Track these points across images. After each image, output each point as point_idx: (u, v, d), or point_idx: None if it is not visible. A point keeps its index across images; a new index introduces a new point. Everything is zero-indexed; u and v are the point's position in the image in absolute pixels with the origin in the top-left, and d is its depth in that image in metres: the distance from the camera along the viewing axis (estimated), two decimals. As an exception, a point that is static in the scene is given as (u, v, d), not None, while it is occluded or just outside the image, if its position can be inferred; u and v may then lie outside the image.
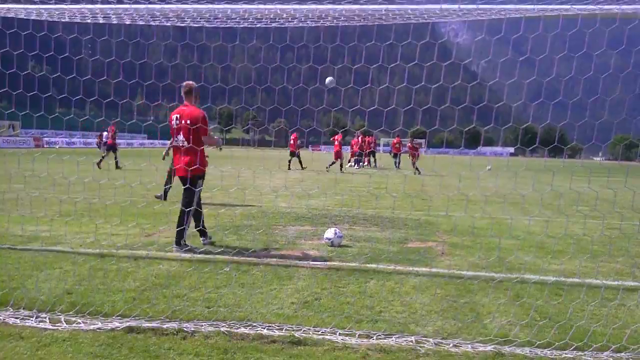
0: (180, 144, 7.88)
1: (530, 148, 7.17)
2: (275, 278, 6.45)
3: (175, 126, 7.91)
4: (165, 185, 13.70)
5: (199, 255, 7.48)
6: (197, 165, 7.84)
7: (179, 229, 7.82)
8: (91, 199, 13.16)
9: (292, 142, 30.83)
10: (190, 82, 8.10)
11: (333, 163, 29.28)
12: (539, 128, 7.34)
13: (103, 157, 24.70)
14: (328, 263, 7.30)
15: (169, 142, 8.32)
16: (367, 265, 7.22)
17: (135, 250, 7.65)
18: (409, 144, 30.07)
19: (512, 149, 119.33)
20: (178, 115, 7.92)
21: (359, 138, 35.53)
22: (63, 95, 7.07)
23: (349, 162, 36.33)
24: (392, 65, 6.26)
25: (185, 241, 7.89)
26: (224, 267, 6.86)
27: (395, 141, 35.85)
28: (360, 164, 35.44)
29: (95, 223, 9.63)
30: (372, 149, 37.74)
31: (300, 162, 30.43)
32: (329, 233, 8.52)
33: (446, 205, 14.73)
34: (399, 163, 34.40)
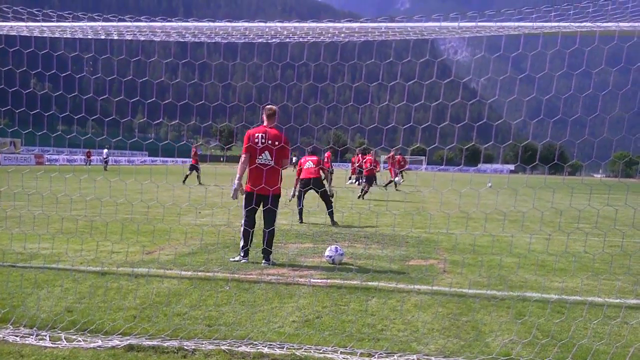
0: (267, 163, 8.22)
1: (531, 165, 7.17)
2: (276, 296, 6.42)
3: (261, 145, 8.23)
4: (298, 206, 13.95)
5: (199, 274, 7.46)
6: (279, 186, 8.30)
7: (266, 247, 8.25)
8: (92, 216, 13.15)
9: (325, 159, 31.09)
10: (274, 105, 8.54)
11: (390, 182, 29.23)
12: (539, 145, 7.35)
13: (187, 176, 29.70)
14: (329, 281, 7.27)
15: (241, 161, 8.38)
16: (369, 283, 7.19)
17: (135, 268, 7.62)
18: (392, 156, 30.05)
19: (512, 166, 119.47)
20: (263, 135, 8.28)
21: (359, 156, 35.59)
22: (65, 114, 7.10)
23: (349, 178, 36.36)
24: (392, 83, 6.29)
25: (244, 255, 8.41)
26: (224, 285, 6.84)
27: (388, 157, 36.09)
28: (360, 181, 35.44)
29: (96, 241, 9.61)
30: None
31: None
32: (330, 251, 8.49)
33: (447, 222, 14.71)
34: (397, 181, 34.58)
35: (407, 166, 30.17)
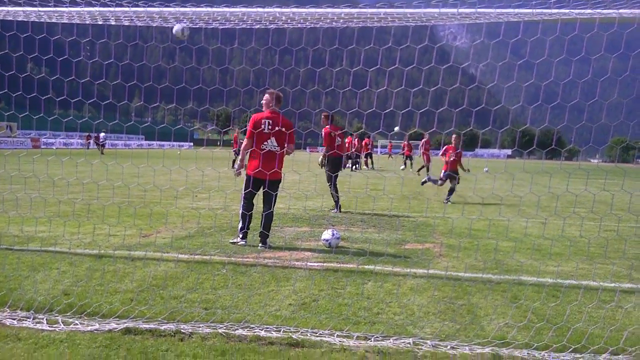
0: (272, 149, 8.28)
1: (528, 150, 7.18)
2: (272, 279, 6.44)
3: (267, 131, 8.27)
4: (335, 198, 12.88)
5: (196, 257, 7.48)
6: (280, 171, 8.33)
7: (264, 231, 8.33)
8: (89, 200, 13.14)
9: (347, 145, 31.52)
10: (276, 91, 8.57)
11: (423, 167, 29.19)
12: (536, 130, 7.34)
13: (234, 160, 29.77)
14: (325, 264, 7.30)
15: (244, 145, 8.44)
16: (365, 266, 7.22)
17: (132, 251, 7.64)
18: (427, 141, 29.62)
19: (509, 151, 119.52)
20: (270, 121, 8.31)
21: (356, 140, 35.57)
22: (62, 97, 7.06)
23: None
24: (390, 68, 6.27)
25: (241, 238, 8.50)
26: (221, 269, 6.86)
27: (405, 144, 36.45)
28: (357, 165, 35.49)
29: (93, 224, 9.62)
30: (369, 150, 37.93)
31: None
32: (327, 234, 8.51)
33: (443, 207, 14.74)
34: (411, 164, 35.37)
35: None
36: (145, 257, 7.32)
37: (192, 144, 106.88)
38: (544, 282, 6.74)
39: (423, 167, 29.12)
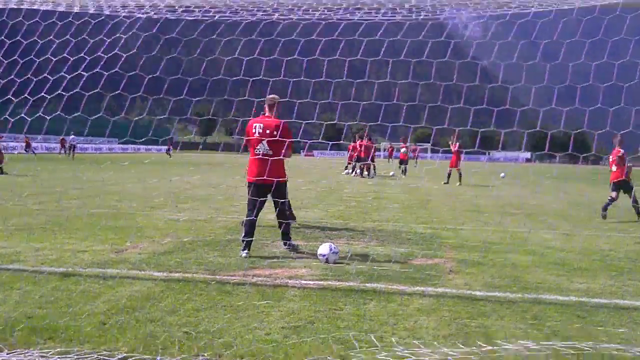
0: (265, 153, 8.83)
1: (549, 152, 7.19)
2: (262, 299, 6.41)
3: (257, 135, 8.90)
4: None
5: (176, 275, 7.45)
6: (281, 174, 9.00)
7: (286, 240, 9.32)
8: (55, 211, 13.09)
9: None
10: (276, 95, 9.23)
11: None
12: (571, 132, 7.36)
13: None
14: (322, 282, 7.28)
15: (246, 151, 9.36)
16: (367, 284, 7.20)
17: (104, 269, 7.60)
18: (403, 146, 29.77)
19: (528, 154, 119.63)
20: (260, 125, 8.94)
21: (357, 143, 35.60)
22: (22, 97, 7.05)
23: (345, 168, 36.49)
24: (394, 59, 6.29)
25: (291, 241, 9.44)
26: (204, 287, 6.83)
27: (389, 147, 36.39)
28: (356, 171, 35.52)
29: (60, 238, 9.58)
30: (371, 154, 37.67)
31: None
32: (324, 249, 8.49)
33: (454, 217, 14.73)
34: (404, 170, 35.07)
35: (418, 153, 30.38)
36: (118, 276, 7.29)
37: (170, 147, 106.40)
38: (568, 301, 6.74)
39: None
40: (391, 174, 35.58)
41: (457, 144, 28.77)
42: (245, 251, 8.76)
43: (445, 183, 27.74)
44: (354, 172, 34.89)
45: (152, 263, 8.08)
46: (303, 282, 7.28)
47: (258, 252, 9.13)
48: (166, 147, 75.56)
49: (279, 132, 8.80)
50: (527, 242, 10.76)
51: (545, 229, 12.73)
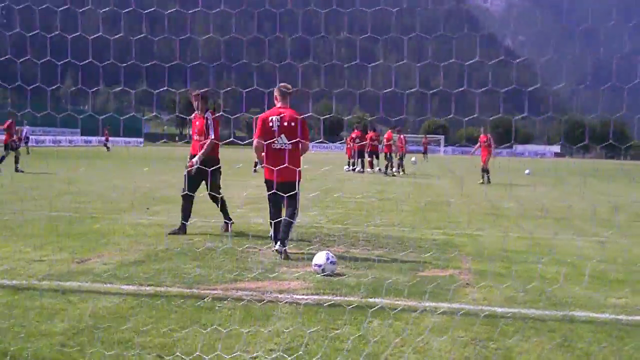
0: (283, 147, 9.68)
1: (581, 145, 7.18)
2: (248, 317, 6.42)
3: (275, 128, 9.66)
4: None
5: (147, 288, 7.45)
6: (295, 170, 9.62)
7: (281, 237, 9.55)
8: (4, 214, 13.07)
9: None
10: (287, 84, 10.05)
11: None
12: (595, 121, 7.36)
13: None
14: (318, 297, 7.28)
15: (254, 145, 9.88)
16: (369, 299, 7.21)
17: (64, 282, 7.59)
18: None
19: (557, 148, 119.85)
20: (278, 117, 9.68)
21: (367, 134, 35.72)
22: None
23: (348, 164, 36.55)
24: (408, 36, 6.28)
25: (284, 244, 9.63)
26: (180, 303, 6.82)
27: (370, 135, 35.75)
28: (357, 166, 35.60)
29: (10, 246, 9.56)
30: (375, 147, 37.63)
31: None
32: (319, 258, 8.49)
33: (471, 220, 14.74)
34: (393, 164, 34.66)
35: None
36: (80, 290, 7.28)
37: (142, 139, 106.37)
38: (603, 319, 6.75)
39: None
40: (413, 159, 35.55)
41: (487, 135, 28.69)
42: (278, 244, 9.50)
43: (481, 183, 27.75)
44: (357, 168, 34.98)
45: (119, 275, 8.07)
46: (295, 296, 7.28)
47: (242, 261, 9.13)
48: (103, 137, 69.14)
49: (298, 125, 9.63)
50: (555, 251, 10.77)
51: (578, 236, 12.74)
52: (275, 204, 9.98)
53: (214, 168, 11.04)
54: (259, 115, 9.91)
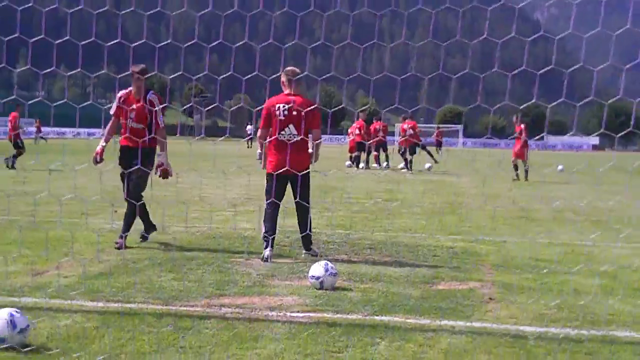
0: (291, 138, 10.02)
1: (624, 133, 7.21)
2: (233, 339, 6.43)
3: (283, 117, 10.03)
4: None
5: (115, 305, 7.45)
6: (304, 161, 10.20)
7: (304, 234, 10.35)
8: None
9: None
10: (295, 68, 10.37)
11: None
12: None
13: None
14: (316, 315, 7.30)
15: (258, 136, 10.46)
16: (376, 317, 7.23)
17: (17, 298, 7.60)
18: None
19: (596, 140, 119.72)
20: (286, 106, 10.02)
21: (372, 124, 35.80)
22: None
23: (350, 159, 36.58)
24: (410, 10, 6.31)
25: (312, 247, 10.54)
26: (154, 322, 6.84)
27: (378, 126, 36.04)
28: (362, 163, 35.63)
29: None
30: (381, 139, 37.51)
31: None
32: (317, 269, 8.50)
33: (495, 225, 14.75)
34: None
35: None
36: (36, 307, 7.29)
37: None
38: (649, 339, 6.77)
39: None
40: (427, 166, 35.58)
41: (522, 125, 28.73)
42: (267, 248, 9.98)
43: (515, 180, 27.85)
44: (361, 165, 35.04)
45: (82, 289, 8.08)
46: (290, 314, 7.30)
47: (227, 273, 9.14)
48: (34, 129, 66.33)
49: (309, 112, 9.95)
50: (594, 260, 10.79)
51: (620, 242, 12.74)
52: (273, 202, 10.11)
53: (147, 163, 10.49)
54: (266, 102, 10.21)
